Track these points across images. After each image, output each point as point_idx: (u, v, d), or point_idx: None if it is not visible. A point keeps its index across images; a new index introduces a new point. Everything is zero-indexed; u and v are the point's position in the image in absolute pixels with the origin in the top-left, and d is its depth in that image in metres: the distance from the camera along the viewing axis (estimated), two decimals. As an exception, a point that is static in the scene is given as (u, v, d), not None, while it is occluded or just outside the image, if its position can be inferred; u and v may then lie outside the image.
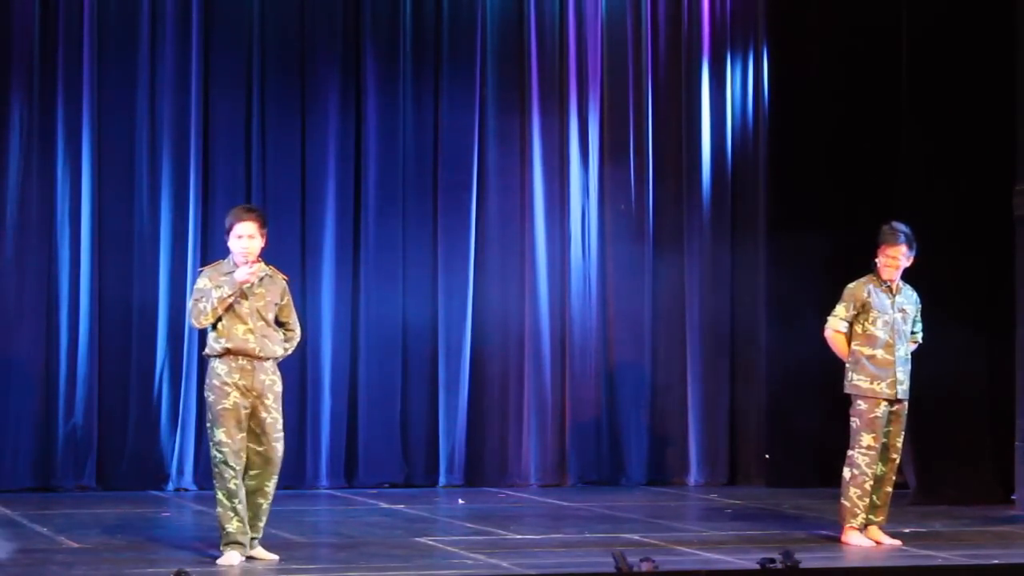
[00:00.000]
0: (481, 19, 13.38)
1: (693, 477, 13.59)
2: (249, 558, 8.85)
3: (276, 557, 8.91)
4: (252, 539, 8.91)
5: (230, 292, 8.82)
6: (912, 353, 10.09)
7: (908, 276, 10.15)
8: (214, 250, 12.54)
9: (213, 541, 9.14)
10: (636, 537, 10.04)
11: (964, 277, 12.11)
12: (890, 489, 10.04)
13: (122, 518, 10.82)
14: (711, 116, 13.81)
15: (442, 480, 13.11)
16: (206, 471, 12.43)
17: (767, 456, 13.32)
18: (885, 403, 9.91)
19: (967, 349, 11.96)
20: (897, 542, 9.91)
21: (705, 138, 13.80)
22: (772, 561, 7.28)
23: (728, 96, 13.86)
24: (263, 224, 8.99)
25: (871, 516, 9.96)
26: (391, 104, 13.17)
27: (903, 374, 9.96)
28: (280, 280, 9.07)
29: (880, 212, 12.90)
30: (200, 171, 12.72)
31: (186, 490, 12.46)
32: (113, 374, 12.55)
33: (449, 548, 9.54)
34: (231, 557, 8.81)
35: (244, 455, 8.87)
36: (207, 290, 8.88)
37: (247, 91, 12.89)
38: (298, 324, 9.17)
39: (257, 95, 12.90)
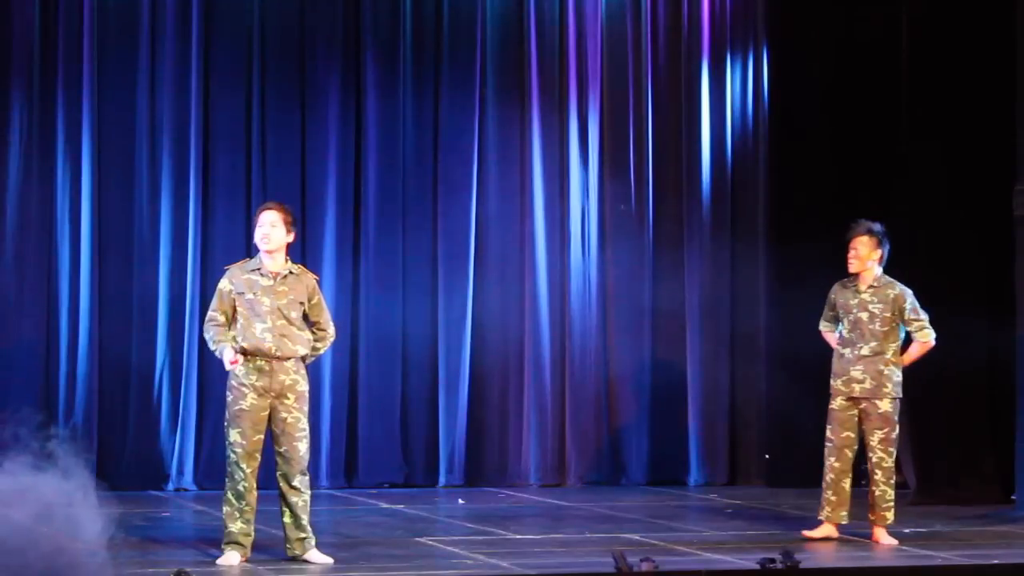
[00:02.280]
0: (481, 19, 13.38)
1: (693, 477, 13.58)
2: (303, 561, 8.85)
3: (331, 560, 8.90)
4: (301, 540, 8.89)
5: (226, 358, 8.81)
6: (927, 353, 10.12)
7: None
8: (214, 250, 12.58)
9: (213, 541, 9.15)
10: (636, 537, 10.04)
11: (964, 277, 12.11)
12: (877, 490, 9.98)
13: (122, 518, 10.80)
14: (711, 116, 13.81)
15: (442, 480, 13.11)
16: (206, 471, 12.46)
17: (767, 456, 13.32)
18: (843, 399, 9.96)
19: (967, 349, 11.95)
20: (894, 541, 9.91)
21: (705, 138, 13.79)
22: (772, 561, 7.28)
23: (728, 96, 13.85)
24: (290, 219, 8.97)
25: (870, 516, 9.99)
26: (391, 104, 13.17)
27: (861, 373, 9.98)
28: (308, 278, 9.02)
29: (880, 212, 12.93)
30: (200, 171, 12.72)
31: (186, 490, 12.46)
32: (113, 374, 12.55)
33: (449, 548, 9.54)
34: (230, 557, 8.81)
35: (259, 457, 8.87)
36: (214, 316, 8.87)
37: (247, 91, 12.88)
38: (331, 324, 9.13)
39: (257, 95, 12.90)
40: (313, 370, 12.72)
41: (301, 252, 12.80)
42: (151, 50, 12.68)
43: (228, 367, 8.83)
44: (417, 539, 9.94)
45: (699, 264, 13.69)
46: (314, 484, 12.66)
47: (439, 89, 13.30)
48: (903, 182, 12.40)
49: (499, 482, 13.22)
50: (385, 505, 11.87)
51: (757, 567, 7.33)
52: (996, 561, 9.01)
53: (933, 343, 10.15)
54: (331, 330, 9.14)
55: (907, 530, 10.44)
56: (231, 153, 12.85)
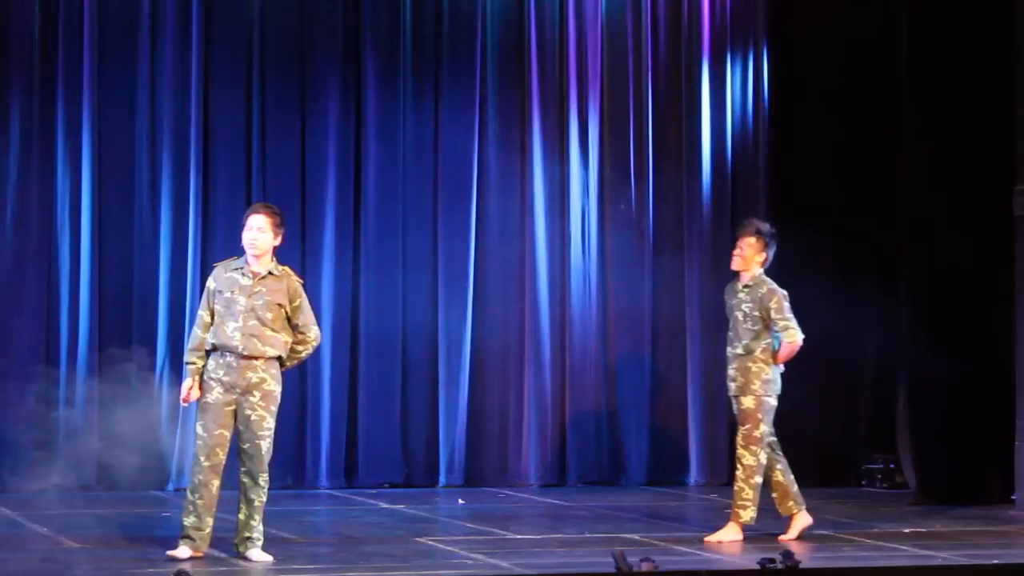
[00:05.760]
0: (481, 19, 13.38)
1: (693, 477, 13.58)
2: (244, 559, 8.84)
3: (270, 558, 8.89)
4: (247, 539, 8.87)
5: (183, 387, 9.01)
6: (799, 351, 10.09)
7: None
8: (214, 249, 12.57)
9: (213, 541, 9.13)
10: (636, 537, 10.04)
11: (964, 277, 12.11)
12: (735, 485, 9.98)
13: (122, 518, 10.81)
14: (711, 116, 13.81)
15: (442, 480, 13.11)
16: (206, 471, 12.45)
17: (767, 456, 13.30)
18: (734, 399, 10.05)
19: (967, 349, 11.96)
20: (738, 536, 9.81)
21: (705, 137, 13.79)
22: (772, 561, 7.29)
23: (728, 96, 13.85)
24: (278, 222, 8.96)
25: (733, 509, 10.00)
26: (391, 104, 13.17)
27: (734, 371, 10.04)
28: (292, 281, 8.96)
29: (880, 212, 12.96)
30: (200, 171, 12.73)
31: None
32: (113, 373, 12.54)
33: (449, 548, 9.54)
34: (181, 551, 8.78)
35: (222, 452, 8.86)
36: (201, 315, 8.95)
37: (247, 91, 12.89)
38: (314, 328, 9.03)
39: (257, 95, 12.90)
40: (313, 370, 12.78)
41: (301, 252, 12.80)
42: (151, 50, 12.69)
43: (182, 399, 9.02)
44: (417, 539, 9.94)
45: (699, 264, 13.68)
46: (314, 484, 12.78)
47: (439, 89, 13.30)
48: (903, 182, 12.40)
49: (499, 482, 13.21)
50: (385, 505, 11.87)
51: (757, 567, 7.34)
52: (996, 561, 9.01)
53: (800, 343, 10.00)
54: (312, 334, 9.02)
55: (907, 530, 10.45)
56: (231, 154, 12.86)
